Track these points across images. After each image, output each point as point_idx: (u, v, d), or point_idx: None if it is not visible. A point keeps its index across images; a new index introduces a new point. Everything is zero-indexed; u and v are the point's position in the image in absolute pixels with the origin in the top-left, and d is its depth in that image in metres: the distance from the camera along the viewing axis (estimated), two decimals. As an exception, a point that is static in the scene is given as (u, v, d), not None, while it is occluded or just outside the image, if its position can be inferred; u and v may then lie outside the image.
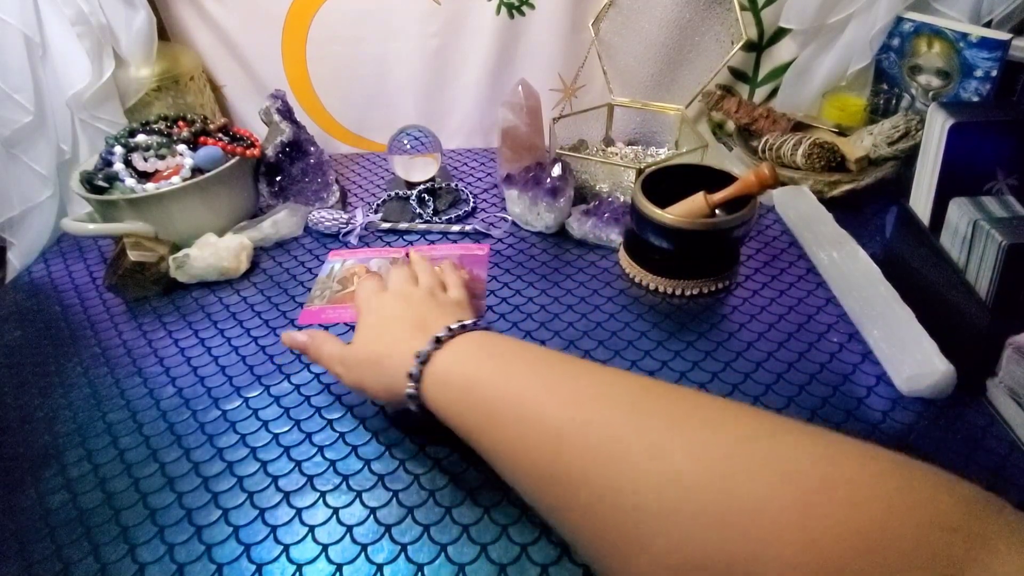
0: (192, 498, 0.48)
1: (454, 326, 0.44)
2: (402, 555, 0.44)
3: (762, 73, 0.99)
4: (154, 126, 0.79)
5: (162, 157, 0.75)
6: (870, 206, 0.81)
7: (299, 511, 0.47)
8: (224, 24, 0.94)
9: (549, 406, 0.36)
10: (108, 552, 0.45)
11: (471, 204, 0.87)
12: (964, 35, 0.75)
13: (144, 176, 0.74)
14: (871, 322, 0.60)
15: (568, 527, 0.34)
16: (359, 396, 0.56)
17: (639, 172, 0.73)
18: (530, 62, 0.97)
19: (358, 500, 0.48)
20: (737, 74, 1.00)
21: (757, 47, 0.97)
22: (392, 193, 0.89)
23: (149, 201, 0.72)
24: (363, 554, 0.44)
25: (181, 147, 0.76)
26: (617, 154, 0.94)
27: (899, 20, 0.83)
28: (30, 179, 0.81)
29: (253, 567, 0.43)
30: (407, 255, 0.76)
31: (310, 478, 0.49)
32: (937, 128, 0.63)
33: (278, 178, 0.84)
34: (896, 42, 0.85)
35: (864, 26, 0.86)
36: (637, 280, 0.70)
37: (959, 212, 0.58)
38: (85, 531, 0.46)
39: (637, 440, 0.31)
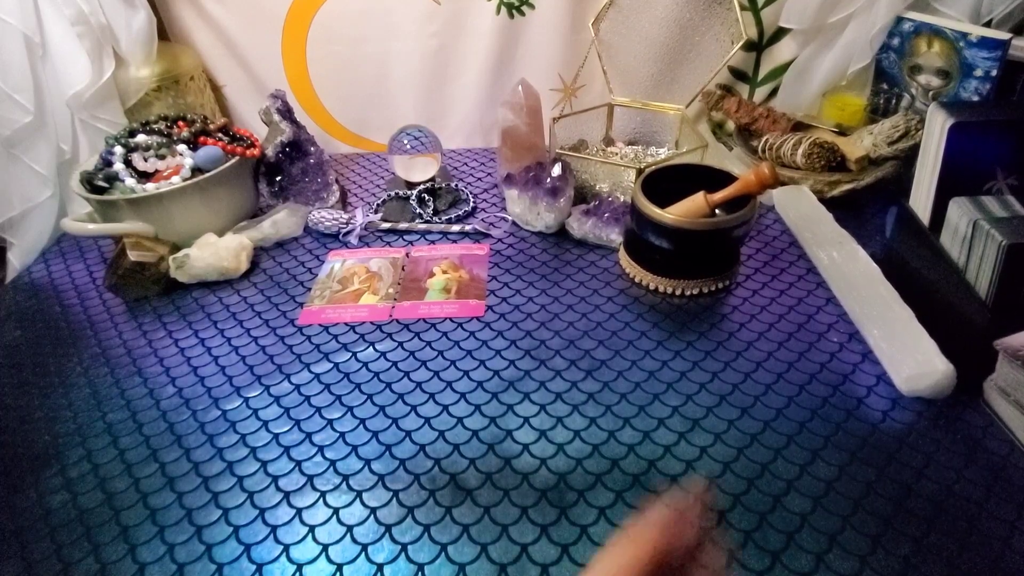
0: (192, 498, 0.48)
1: None
2: (402, 555, 0.44)
3: (762, 73, 0.99)
4: (154, 126, 0.79)
5: (162, 157, 0.75)
6: (870, 206, 0.81)
7: (299, 511, 0.47)
8: (224, 24, 0.94)
9: None
10: (108, 552, 0.45)
11: (471, 204, 0.86)
12: (964, 35, 0.75)
13: (144, 176, 0.74)
14: (871, 322, 0.60)
15: None
16: (359, 396, 0.57)
17: (639, 172, 0.73)
18: (530, 62, 0.97)
19: (358, 500, 0.48)
20: (737, 74, 1.00)
21: (757, 47, 0.97)
22: (392, 193, 0.89)
23: (149, 201, 0.72)
24: (363, 554, 0.44)
25: (181, 147, 0.76)
26: (617, 154, 0.94)
27: (899, 20, 0.83)
28: (30, 179, 0.81)
29: (253, 567, 0.43)
30: (407, 255, 0.76)
31: (310, 478, 0.49)
32: (937, 128, 0.63)
33: (278, 178, 0.84)
34: (896, 42, 0.85)
35: (864, 26, 0.86)
36: (637, 280, 0.70)
37: (959, 212, 0.59)
38: (85, 531, 0.46)
39: None
